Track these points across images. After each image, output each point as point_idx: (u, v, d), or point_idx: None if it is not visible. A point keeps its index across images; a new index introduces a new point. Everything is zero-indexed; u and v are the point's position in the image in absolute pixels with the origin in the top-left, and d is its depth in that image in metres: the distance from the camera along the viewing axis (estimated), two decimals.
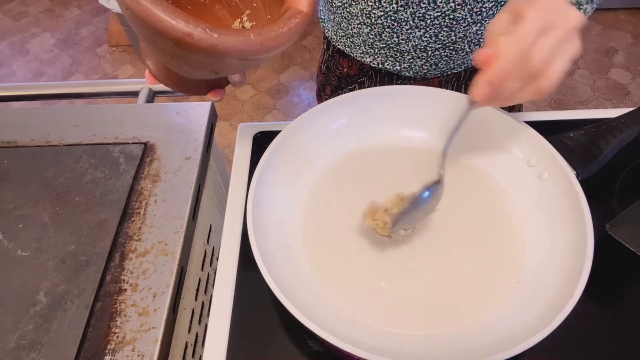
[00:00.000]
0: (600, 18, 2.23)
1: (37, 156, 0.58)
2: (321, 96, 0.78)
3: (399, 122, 0.55)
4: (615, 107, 0.64)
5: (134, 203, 0.53)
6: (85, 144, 0.59)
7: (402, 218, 0.44)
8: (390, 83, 0.66)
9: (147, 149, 0.58)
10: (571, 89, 1.93)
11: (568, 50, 0.36)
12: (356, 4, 0.57)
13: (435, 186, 0.45)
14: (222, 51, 0.30)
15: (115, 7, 1.86)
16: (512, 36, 0.35)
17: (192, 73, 0.39)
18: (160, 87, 0.73)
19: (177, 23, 0.29)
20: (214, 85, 0.44)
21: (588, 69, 2.00)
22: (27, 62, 2.27)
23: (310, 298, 0.41)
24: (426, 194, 0.45)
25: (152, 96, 0.72)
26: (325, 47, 0.72)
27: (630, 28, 2.17)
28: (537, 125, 0.49)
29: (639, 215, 0.46)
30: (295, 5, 0.35)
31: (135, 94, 0.73)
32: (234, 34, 0.31)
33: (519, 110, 0.76)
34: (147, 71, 0.43)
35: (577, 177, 0.45)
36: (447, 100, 0.53)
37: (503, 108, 0.53)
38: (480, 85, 0.37)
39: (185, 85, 0.43)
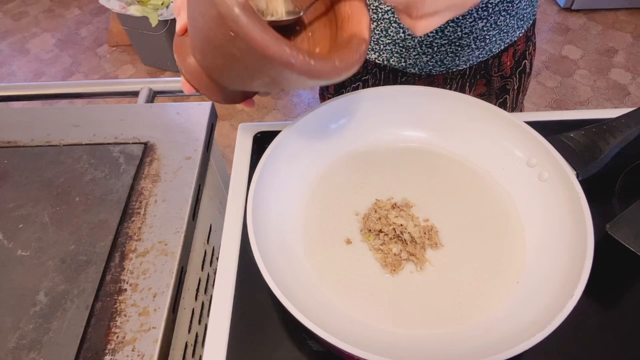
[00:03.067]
0: (600, 18, 2.23)
1: (37, 156, 0.58)
2: (324, 95, 0.78)
3: (399, 122, 0.55)
4: (615, 107, 0.64)
5: (134, 203, 0.53)
6: (85, 144, 0.59)
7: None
8: (395, 80, 0.66)
9: (147, 149, 0.58)
10: (571, 89, 1.93)
11: None
12: None
13: None
14: (312, 74, 0.32)
15: (115, 7, 1.86)
16: None
17: (255, 87, 0.40)
18: (161, 87, 0.74)
19: (283, 50, 0.30)
20: (247, 95, 0.45)
21: (588, 69, 2.00)
22: (27, 62, 2.27)
23: (310, 298, 0.41)
24: None
25: (152, 96, 0.72)
26: None
27: (630, 28, 2.17)
28: (537, 125, 0.49)
29: (639, 215, 0.46)
30: (360, 34, 0.38)
31: (135, 94, 0.73)
32: (324, 61, 0.33)
33: (521, 110, 0.76)
34: (182, 80, 0.43)
35: (577, 177, 0.45)
36: (447, 100, 0.53)
37: (504, 108, 0.53)
38: None
39: (223, 95, 0.43)
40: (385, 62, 0.63)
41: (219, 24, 0.30)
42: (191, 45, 0.39)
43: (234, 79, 0.38)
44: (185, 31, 0.41)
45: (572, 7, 2.25)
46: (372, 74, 0.67)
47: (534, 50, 0.69)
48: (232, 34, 0.30)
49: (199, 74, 0.41)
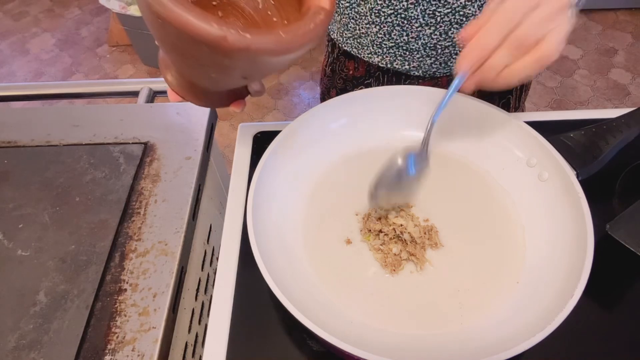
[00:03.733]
0: (600, 18, 2.23)
1: (37, 156, 0.58)
2: (326, 99, 0.77)
3: (399, 122, 0.55)
4: (615, 107, 0.64)
5: (134, 203, 0.53)
6: (85, 144, 0.59)
7: (382, 194, 0.44)
8: (398, 83, 0.66)
9: (147, 149, 0.58)
10: (571, 89, 1.93)
11: (560, 24, 0.36)
12: (365, 3, 0.56)
13: (419, 159, 0.45)
14: (255, 51, 0.31)
15: (115, 7, 1.86)
16: (498, 10, 0.36)
17: (221, 82, 0.39)
18: (161, 87, 0.74)
19: (210, 27, 0.29)
20: (235, 96, 0.44)
21: (588, 69, 2.00)
22: (27, 62, 2.27)
23: (310, 298, 0.41)
24: (411, 170, 0.44)
25: (152, 96, 0.72)
26: (329, 50, 0.72)
27: (630, 28, 2.17)
28: (537, 125, 0.49)
29: (639, 215, 0.46)
30: (316, 3, 0.35)
31: (135, 94, 0.73)
32: (265, 34, 0.31)
33: (522, 111, 0.76)
34: (168, 89, 0.42)
35: (577, 177, 0.45)
36: None
37: (505, 108, 0.53)
38: (463, 54, 0.37)
39: (209, 99, 0.43)
40: (389, 65, 0.63)
41: (150, 14, 0.29)
42: None
43: (197, 75, 0.37)
44: None
45: None
46: (375, 77, 0.67)
47: None
48: (160, 21, 0.29)
49: (179, 80, 0.41)
